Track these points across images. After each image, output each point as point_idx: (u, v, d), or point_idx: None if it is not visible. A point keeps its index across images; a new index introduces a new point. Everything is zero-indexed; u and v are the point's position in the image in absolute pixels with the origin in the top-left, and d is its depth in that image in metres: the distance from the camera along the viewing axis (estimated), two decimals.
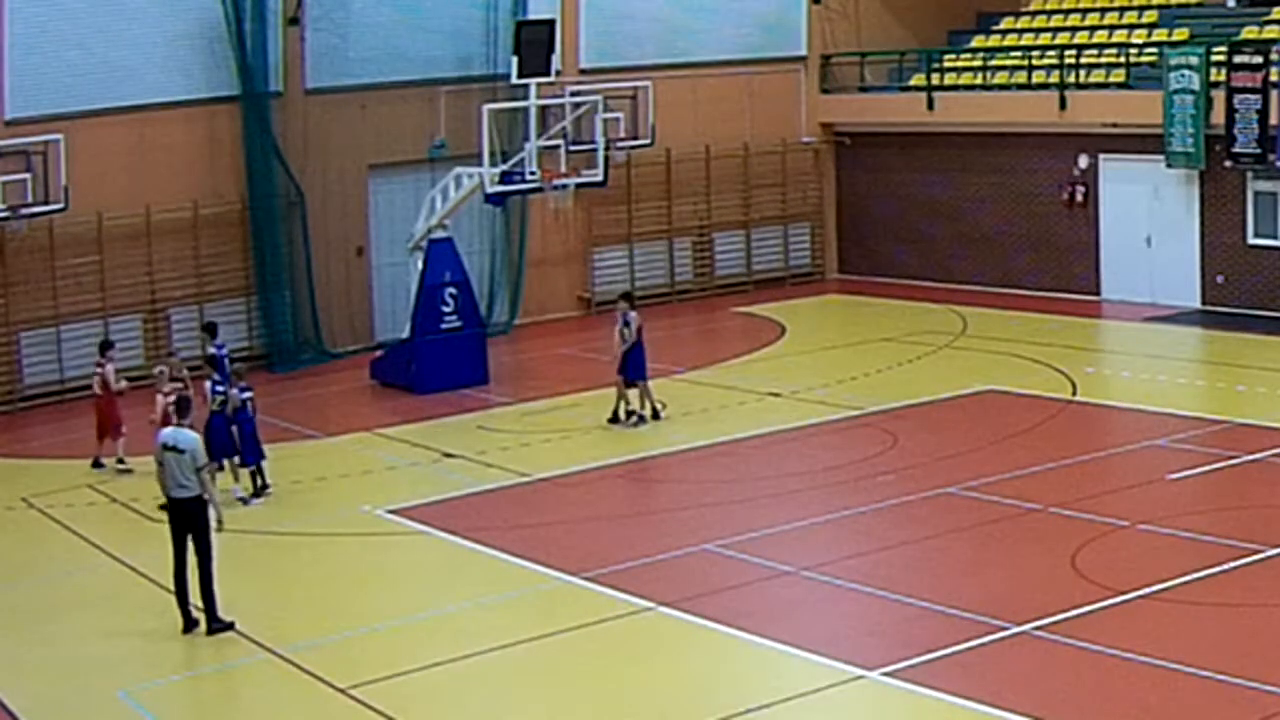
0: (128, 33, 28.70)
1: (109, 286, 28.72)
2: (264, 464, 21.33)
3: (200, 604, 16.25)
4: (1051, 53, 33.41)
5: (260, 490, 21.25)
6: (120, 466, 22.82)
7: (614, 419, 23.95)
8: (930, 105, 34.53)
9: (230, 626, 16.21)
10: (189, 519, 16.26)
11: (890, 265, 36.18)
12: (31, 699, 14.77)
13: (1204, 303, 30.58)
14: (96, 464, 23.13)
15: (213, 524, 16.32)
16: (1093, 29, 34.19)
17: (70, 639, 16.36)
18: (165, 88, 29.15)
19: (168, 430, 16.81)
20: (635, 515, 20.30)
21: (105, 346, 23.97)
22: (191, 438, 16.46)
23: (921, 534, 18.14)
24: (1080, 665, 14.01)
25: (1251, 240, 29.86)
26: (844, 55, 36.76)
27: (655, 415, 24.03)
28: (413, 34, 31.60)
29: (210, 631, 16.12)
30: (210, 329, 24.84)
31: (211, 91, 29.58)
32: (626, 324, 23.78)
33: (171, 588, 16.41)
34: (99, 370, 23.41)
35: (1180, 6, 33.25)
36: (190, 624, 16.23)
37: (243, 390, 21.30)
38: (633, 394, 23.98)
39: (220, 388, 21.14)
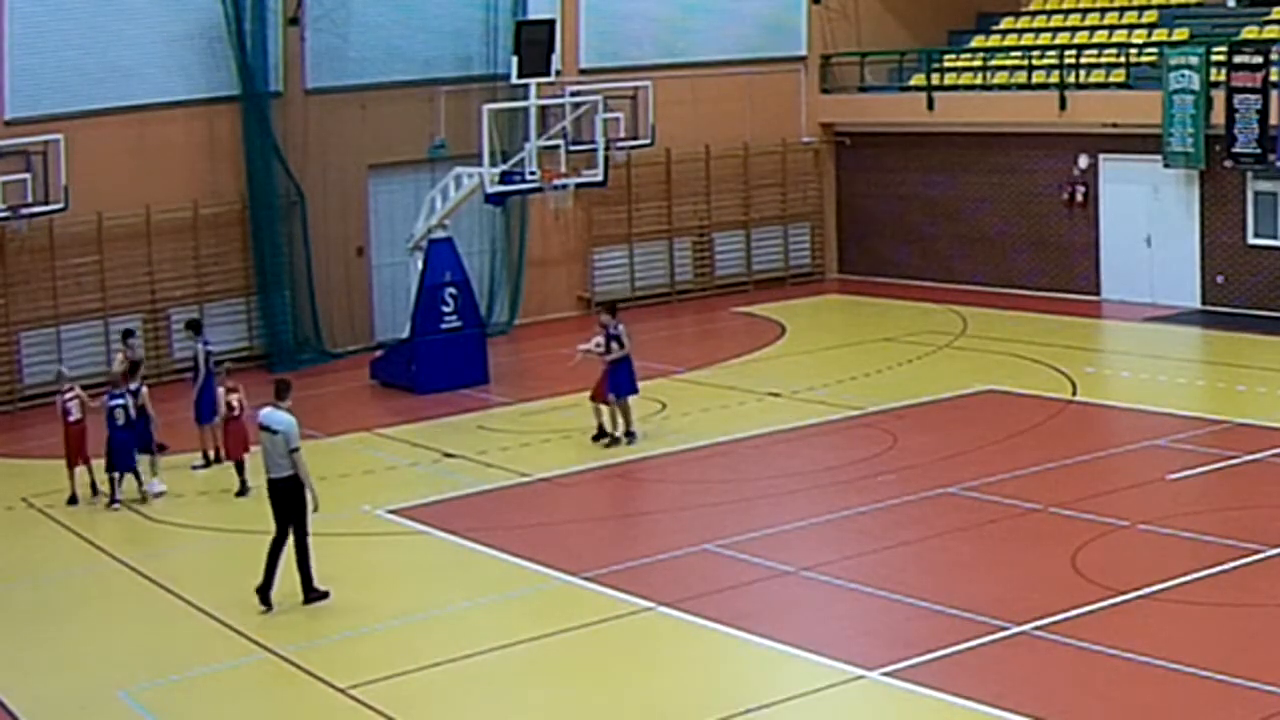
0: (128, 33, 28.69)
1: (109, 286, 28.72)
2: (124, 477, 21.11)
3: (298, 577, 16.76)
4: (1051, 53, 33.41)
5: (108, 497, 21.18)
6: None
7: (610, 437, 22.87)
8: (930, 105, 34.53)
9: (325, 595, 16.73)
10: (284, 499, 16.62)
11: (890, 265, 36.18)
12: (31, 699, 14.77)
13: (1204, 303, 30.57)
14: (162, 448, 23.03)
15: (309, 504, 16.64)
16: (1093, 29, 34.20)
17: (70, 639, 16.37)
18: (165, 88, 29.15)
19: (265, 410, 16.98)
20: (635, 515, 20.31)
21: (128, 334, 24.64)
22: (285, 419, 16.63)
23: (921, 534, 18.14)
24: (1080, 665, 14.01)
25: (1251, 240, 29.86)
26: (844, 55, 36.76)
27: (629, 436, 22.79)
28: (413, 34, 31.60)
29: (306, 600, 16.68)
30: (194, 326, 24.78)
31: (211, 91, 29.58)
32: (614, 337, 22.67)
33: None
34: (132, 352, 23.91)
35: (1180, 6, 33.25)
36: (267, 606, 16.60)
37: (111, 397, 21.27)
38: (604, 410, 22.84)
39: (119, 400, 21.16)
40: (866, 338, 30.02)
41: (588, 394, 23.28)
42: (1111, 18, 34.29)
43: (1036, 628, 14.84)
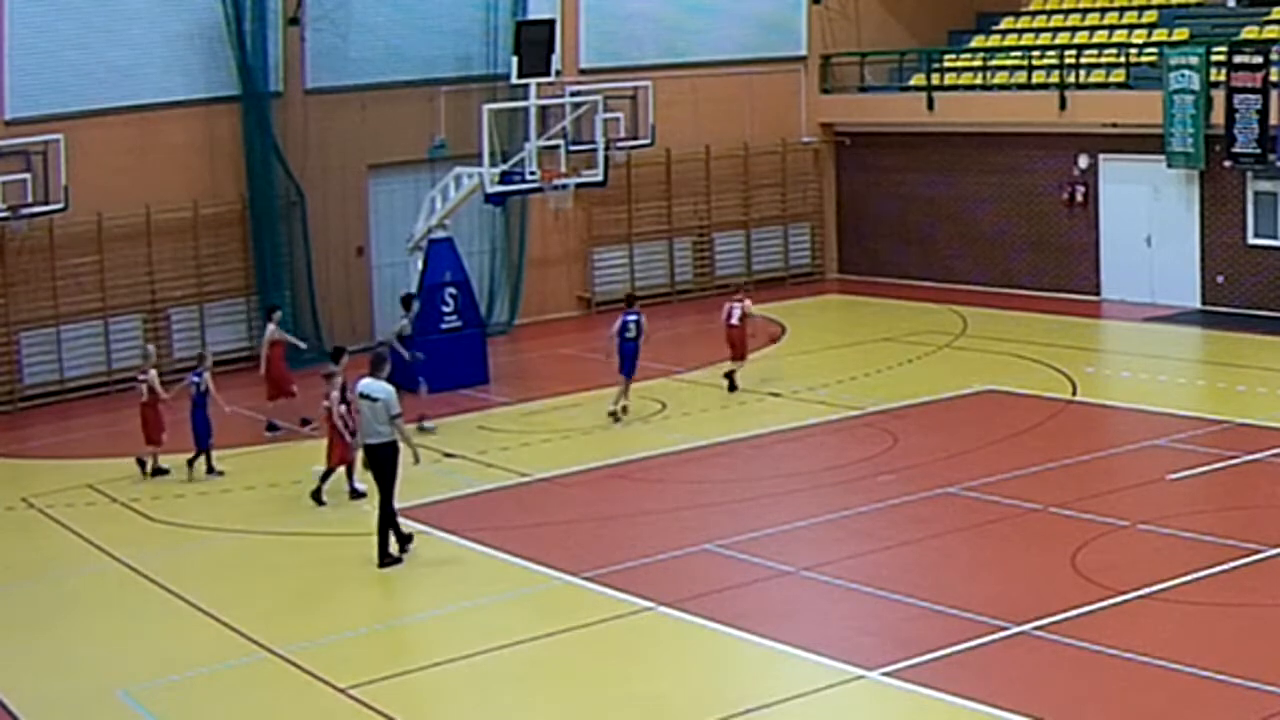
0: (128, 33, 28.71)
1: (109, 286, 28.72)
2: (206, 453, 22.40)
3: (392, 536, 18.10)
4: (1051, 53, 33.41)
5: (208, 470, 22.45)
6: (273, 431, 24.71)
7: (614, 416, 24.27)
8: (930, 105, 34.53)
9: (409, 539, 18.22)
10: (381, 462, 17.97)
11: (890, 265, 36.18)
12: (31, 699, 14.77)
13: (1204, 303, 30.58)
14: (271, 427, 24.83)
15: (409, 461, 18.06)
16: (1093, 29, 34.20)
17: (70, 639, 16.37)
18: (165, 88, 29.17)
19: (364, 381, 18.04)
20: (635, 515, 20.30)
21: (272, 310, 25.62)
22: (384, 388, 17.90)
23: (921, 534, 18.13)
24: (1080, 665, 14.01)
25: (1251, 240, 29.86)
26: (844, 55, 36.76)
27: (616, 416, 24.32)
28: (413, 34, 31.60)
29: (402, 550, 18.11)
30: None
31: (211, 91, 29.59)
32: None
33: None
34: (272, 326, 25.06)
35: (1180, 6, 33.26)
36: (386, 561, 17.98)
37: (194, 374, 22.62)
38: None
39: (197, 379, 22.44)
40: (866, 338, 30.02)
41: (589, 392, 23.36)
42: (1111, 18, 34.29)
43: (1036, 628, 14.84)
